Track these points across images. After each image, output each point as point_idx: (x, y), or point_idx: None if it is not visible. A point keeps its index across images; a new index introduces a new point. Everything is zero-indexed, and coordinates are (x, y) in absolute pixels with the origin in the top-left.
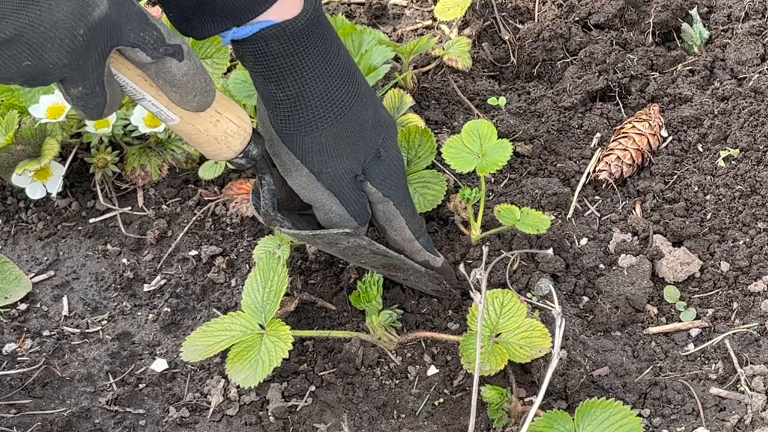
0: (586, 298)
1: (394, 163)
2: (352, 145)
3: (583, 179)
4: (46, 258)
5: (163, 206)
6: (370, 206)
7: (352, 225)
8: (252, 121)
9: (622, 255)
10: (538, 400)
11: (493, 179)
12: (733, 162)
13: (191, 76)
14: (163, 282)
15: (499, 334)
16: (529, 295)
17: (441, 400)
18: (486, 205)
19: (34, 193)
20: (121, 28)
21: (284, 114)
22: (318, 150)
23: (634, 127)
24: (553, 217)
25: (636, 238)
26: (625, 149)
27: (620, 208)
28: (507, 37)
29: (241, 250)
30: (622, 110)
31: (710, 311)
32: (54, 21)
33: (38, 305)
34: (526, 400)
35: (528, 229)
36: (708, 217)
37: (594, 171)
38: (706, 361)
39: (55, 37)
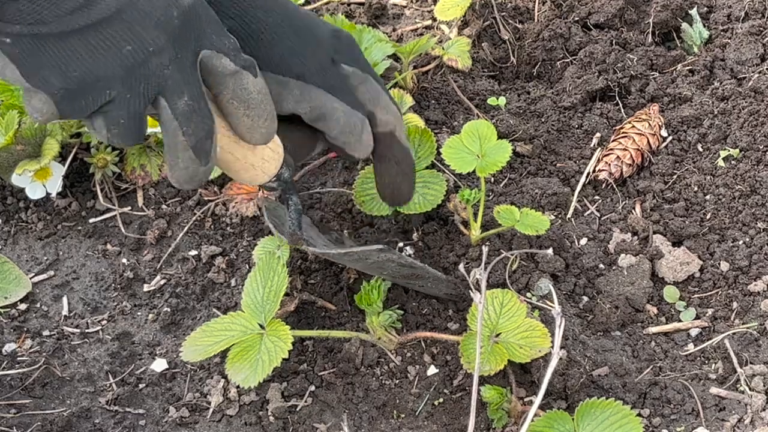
0: (586, 298)
1: (349, 38)
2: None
3: (582, 179)
4: (46, 258)
5: (163, 206)
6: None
7: (359, 118)
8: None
9: (622, 255)
10: (537, 400)
11: (492, 179)
12: (733, 162)
13: (264, 94)
14: (163, 282)
15: (499, 334)
16: (528, 295)
17: (441, 400)
18: (486, 205)
19: (34, 193)
20: (205, 29)
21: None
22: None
23: (633, 126)
24: (553, 217)
25: (636, 238)
26: (624, 149)
27: (620, 208)
28: (507, 37)
29: (241, 250)
30: (622, 110)
31: (710, 311)
32: None
33: (38, 305)
34: (526, 400)
35: (527, 230)
36: (708, 216)
37: (594, 171)
38: (706, 361)
39: (153, 14)
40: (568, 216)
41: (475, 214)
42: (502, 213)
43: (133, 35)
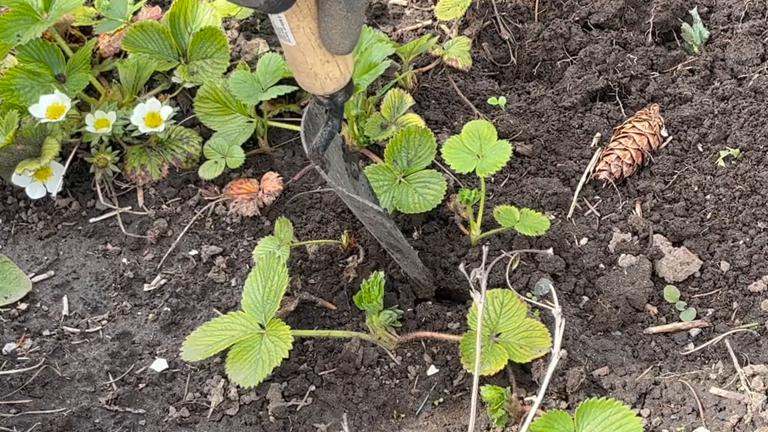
0: (586, 298)
1: None
2: None
3: (583, 179)
4: (46, 258)
5: (163, 206)
6: None
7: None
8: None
9: (622, 255)
10: (538, 400)
11: (493, 179)
12: (733, 162)
13: (364, 3)
14: (163, 282)
15: (499, 333)
16: (528, 295)
17: (441, 399)
18: (486, 204)
19: (35, 192)
20: None
21: None
22: None
23: (634, 126)
24: (553, 217)
25: (636, 237)
26: (625, 149)
27: (620, 208)
28: (507, 37)
29: (241, 250)
30: (622, 110)
31: (710, 311)
32: None
33: (38, 305)
34: (526, 399)
35: (527, 230)
36: (708, 216)
37: (594, 171)
38: (706, 361)
39: None
40: (569, 216)
41: (475, 214)
42: (502, 213)
43: None
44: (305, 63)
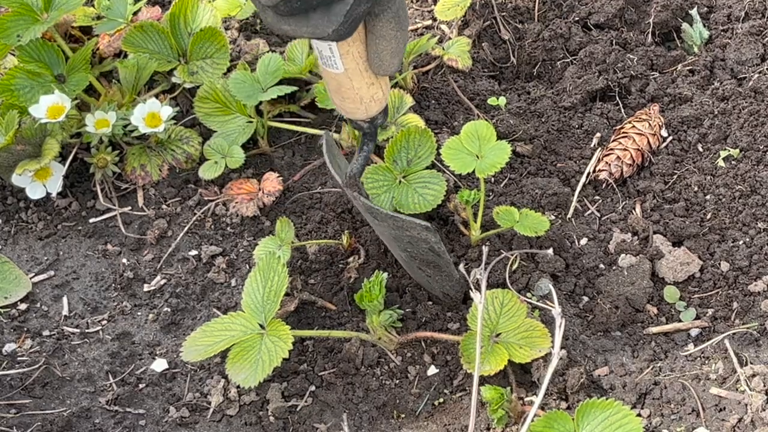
0: (586, 298)
1: None
2: None
3: (583, 179)
4: (46, 258)
5: (163, 206)
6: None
7: None
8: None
9: (622, 255)
10: (538, 400)
11: (493, 179)
12: (733, 162)
13: (407, 22)
14: (163, 282)
15: (499, 334)
16: (528, 295)
17: (441, 400)
18: (486, 204)
19: (34, 192)
20: None
21: None
22: None
23: (634, 126)
24: (553, 217)
25: (636, 238)
26: (625, 149)
27: (620, 208)
28: (507, 37)
29: (241, 250)
30: (622, 110)
31: (710, 311)
32: None
33: (38, 305)
34: (526, 400)
35: (527, 231)
36: (708, 217)
37: (594, 171)
38: (706, 361)
39: None
40: (569, 216)
41: (475, 215)
42: (502, 214)
43: None
44: (352, 89)
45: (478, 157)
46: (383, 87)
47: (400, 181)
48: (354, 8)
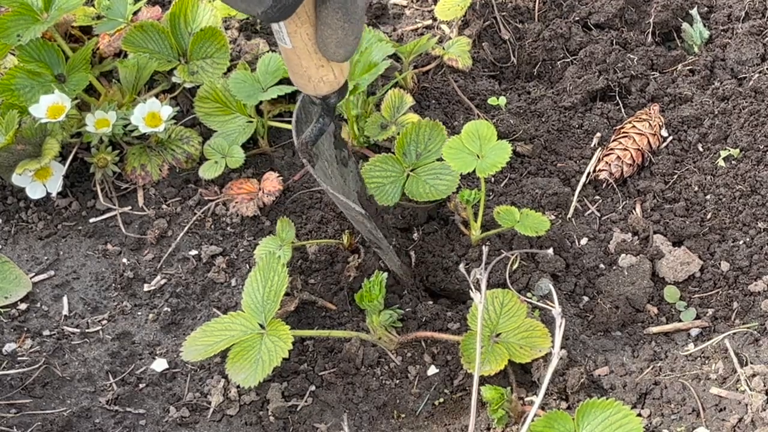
0: (586, 298)
1: None
2: None
3: (583, 179)
4: (46, 258)
5: (163, 206)
6: None
7: None
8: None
9: (622, 255)
10: (538, 400)
11: (493, 179)
12: (733, 162)
13: (363, 12)
14: (163, 282)
15: (499, 334)
16: (529, 295)
17: (441, 400)
18: (486, 204)
19: (35, 192)
20: None
21: None
22: None
23: (634, 126)
24: (553, 217)
25: (636, 237)
26: (625, 149)
27: (620, 208)
28: (507, 37)
29: (241, 250)
30: (622, 110)
31: (710, 311)
32: None
33: (38, 305)
34: (526, 400)
35: (527, 231)
36: (708, 216)
37: (594, 171)
38: (706, 361)
39: None
40: (569, 216)
41: (476, 215)
42: (502, 214)
43: None
44: (300, 66)
45: (478, 156)
46: (335, 71)
47: (408, 175)
48: None
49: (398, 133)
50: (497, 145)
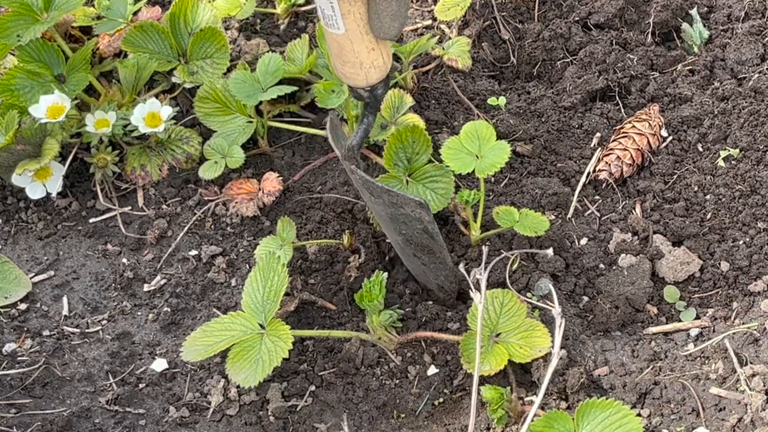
0: (586, 298)
1: None
2: None
3: (583, 179)
4: (46, 258)
5: (163, 206)
6: None
7: None
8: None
9: (622, 255)
10: (538, 400)
11: (493, 179)
12: (733, 162)
13: None
14: (163, 282)
15: (499, 333)
16: (529, 295)
17: (441, 399)
18: (486, 204)
19: (34, 192)
20: None
21: None
22: None
23: (634, 126)
24: (553, 217)
25: (636, 237)
26: (625, 149)
27: (620, 208)
28: (507, 37)
29: (241, 250)
30: (622, 110)
31: (710, 311)
32: None
33: (38, 305)
34: (526, 399)
35: (527, 231)
36: (708, 216)
37: (594, 171)
38: (706, 361)
39: None
40: (569, 216)
41: (475, 215)
42: (502, 214)
43: None
44: (352, 51)
45: (477, 157)
46: (384, 54)
47: (407, 182)
48: None
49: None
50: (496, 145)
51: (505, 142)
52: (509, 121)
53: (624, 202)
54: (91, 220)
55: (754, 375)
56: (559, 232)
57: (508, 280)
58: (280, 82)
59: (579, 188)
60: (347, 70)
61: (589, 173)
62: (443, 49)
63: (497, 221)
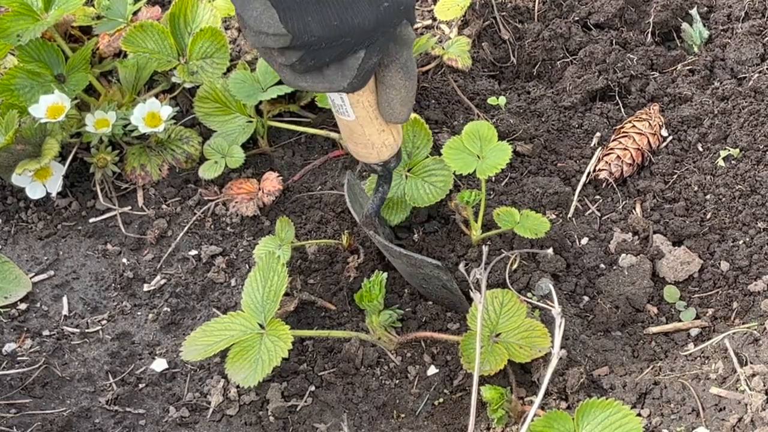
0: (586, 298)
1: None
2: None
3: (583, 179)
4: (46, 258)
5: (163, 206)
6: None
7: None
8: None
9: (623, 255)
10: (538, 400)
11: (494, 178)
12: (733, 161)
13: (415, 72)
14: (163, 282)
15: (499, 334)
16: (529, 295)
17: (441, 399)
18: (487, 203)
19: (34, 192)
20: (411, 3)
21: None
22: None
23: (634, 126)
24: (554, 217)
25: (636, 237)
26: (625, 149)
27: (620, 207)
28: (507, 37)
29: (241, 250)
30: (622, 110)
31: (710, 311)
32: None
33: (38, 305)
34: (526, 399)
35: (527, 233)
36: (708, 216)
37: (594, 170)
38: (706, 361)
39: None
40: (569, 216)
41: (476, 215)
42: (503, 215)
43: (342, 13)
44: (363, 135)
45: (479, 157)
46: (394, 133)
47: (406, 176)
48: (366, 61)
49: None
50: (498, 146)
51: (507, 143)
52: (509, 121)
53: (624, 202)
54: (91, 220)
55: (754, 375)
56: (560, 232)
57: (508, 280)
58: (280, 82)
59: (579, 188)
60: (360, 150)
61: (589, 173)
62: (443, 48)
63: (498, 223)
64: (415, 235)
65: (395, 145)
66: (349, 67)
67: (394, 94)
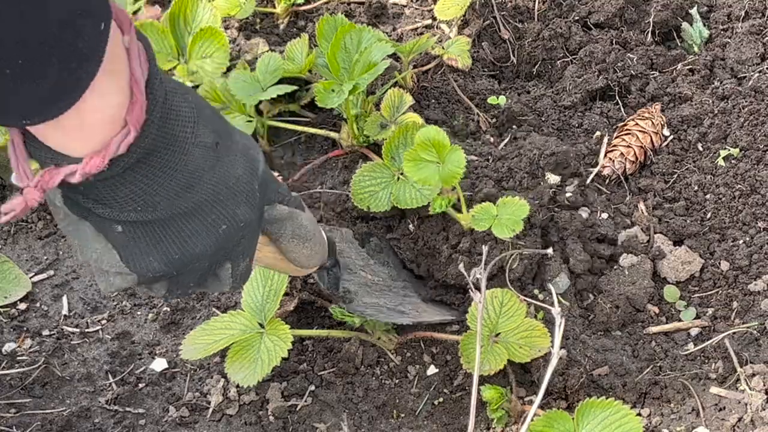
0: (591, 297)
1: None
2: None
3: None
4: (45, 257)
5: None
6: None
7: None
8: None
9: (624, 254)
10: (537, 400)
11: (491, 140)
12: (733, 161)
13: (314, 223)
14: None
15: (499, 333)
16: (535, 292)
17: (441, 399)
18: (485, 174)
19: None
20: (269, 184)
21: None
22: None
23: (637, 124)
24: (558, 179)
25: (645, 235)
26: (628, 146)
27: (623, 206)
28: (507, 37)
29: None
30: (622, 109)
31: (710, 310)
32: (237, 176)
33: (38, 305)
34: (526, 399)
35: (504, 232)
36: (708, 216)
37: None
38: (706, 361)
39: (242, 191)
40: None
41: (471, 200)
42: (477, 216)
43: (228, 214)
44: (285, 269)
45: (439, 163)
46: (317, 254)
47: (398, 178)
48: (235, 268)
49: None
50: (452, 149)
51: (458, 146)
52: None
53: (627, 199)
54: None
55: (754, 375)
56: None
57: (508, 280)
58: (280, 82)
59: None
60: (290, 273)
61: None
62: (443, 48)
63: (474, 226)
64: (410, 226)
65: (319, 260)
66: (222, 277)
67: (295, 255)
